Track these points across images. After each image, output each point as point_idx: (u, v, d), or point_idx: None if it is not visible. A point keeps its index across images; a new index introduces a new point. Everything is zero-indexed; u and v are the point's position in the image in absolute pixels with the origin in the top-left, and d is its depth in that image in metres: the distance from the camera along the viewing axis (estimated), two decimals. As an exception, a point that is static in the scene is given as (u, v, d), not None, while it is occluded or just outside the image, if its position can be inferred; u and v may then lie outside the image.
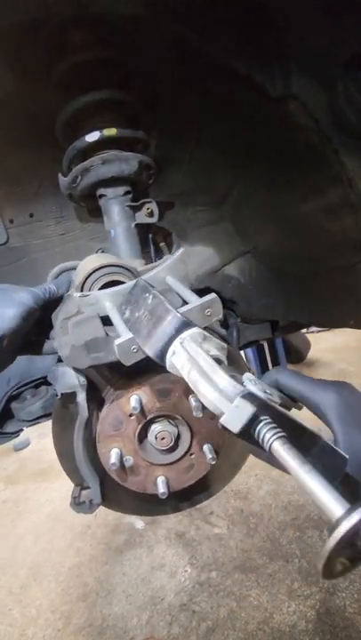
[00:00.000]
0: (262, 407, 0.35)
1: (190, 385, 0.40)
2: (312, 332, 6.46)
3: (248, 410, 0.35)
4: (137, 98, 0.84)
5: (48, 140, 0.87)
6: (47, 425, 1.14)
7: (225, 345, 0.46)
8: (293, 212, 1.00)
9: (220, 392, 0.37)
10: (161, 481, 0.64)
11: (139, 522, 2.91)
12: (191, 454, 0.65)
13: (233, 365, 0.68)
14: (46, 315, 0.64)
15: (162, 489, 0.62)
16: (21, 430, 1.11)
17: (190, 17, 0.68)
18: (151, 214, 0.89)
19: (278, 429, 0.34)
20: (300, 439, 0.37)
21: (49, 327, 0.65)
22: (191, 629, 2.04)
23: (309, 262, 1.07)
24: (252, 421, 0.35)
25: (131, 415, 0.62)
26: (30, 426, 1.15)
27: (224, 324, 1.33)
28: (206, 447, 0.64)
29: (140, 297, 0.51)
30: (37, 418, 1.09)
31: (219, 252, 1.20)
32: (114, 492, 0.68)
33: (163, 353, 0.44)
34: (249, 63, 0.73)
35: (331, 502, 0.29)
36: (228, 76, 0.76)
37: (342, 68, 0.66)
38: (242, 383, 0.40)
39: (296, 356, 5.19)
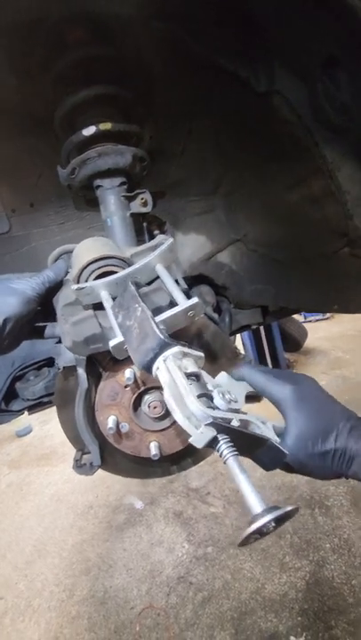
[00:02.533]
0: (222, 430, 0.46)
1: (168, 407, 0.50)
2: (309, 320, 6.54)
3: (209, 435, 0.46)
4: (131, 93, 0.88)
5: (47, 132, 0.91)
6: (48, 412, 1.21)
7: (202, 355, 0.55)
8: (280, 202, 1.05)
9: (189, 419, 0.47)
10: (153, 445, 0.71)
11: (138, 502, 3.03)
12: (181, 422, 0.72)
13: (224, 351, 0.76)
14: (48, 299, 0.70)
15: (154, 451, 0.70)
16: (25, 409, 1.18)
17: (180, 17, 0.72)
18: (145, 204, 0.94)
19: (231, 448, 0.46)
20: (251, 443, 0.50)
21: (52, 311, 0.72)
22: (188, 599, 2.17)
23: (296, 250, 1.13)
24: (213, 442, 0.46)
25: (126, 386, 0.69)
26: (33, 407, 1.22)
27: (217, 308, 1.39)
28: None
29: (130, 305, 0.57)
30: (40, 397, 1.16)
31: (211, 239, 1.26)
32: (111, 456, 0.75)
33: (149, 367, 0.53)
34: (235, 60, 0.78)
35: (255, 503, 0.41)
36: (217, 73, 0.81)
37: (321, 67, 0.71)
38: (212, 400, 0.51)
39: (293, 344, 5.27)
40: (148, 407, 0.70)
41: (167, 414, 0.71)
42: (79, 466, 0.73)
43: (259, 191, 1.08)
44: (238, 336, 4.92)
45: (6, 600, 2.43)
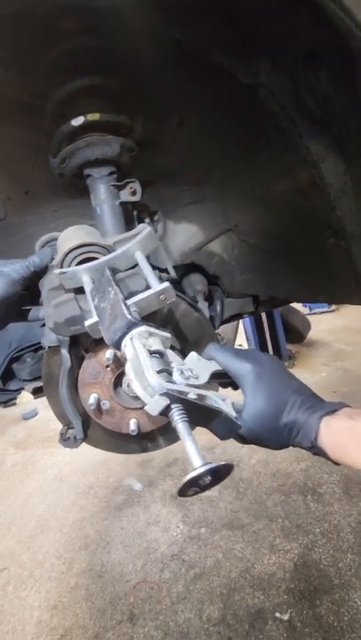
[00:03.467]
0: (175, 401, 0.51)
1: (128, 378, 0.54)
2: (314, 313, 6.52)
3: (162, 403, 0.50)
4: (121, 84, 0.90)
5: (40, 122, 0.94)
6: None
7: (169, 335, 0.59)
8: (269, 192, 1.07)
9: (146, 389, 0.51)
10: (133, 422, 0.76)
11: (137, 484, 3.14)
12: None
13: (204, 336, 0.80)
14: (34, 283, 0.74)
15: (132, 427, 0.75)
16: (22, 389, 1.25)
17: (167, 10, 0.74)
18: (134, 193, 0.97)
19: (183, 415, 0.50)
20: (206, 415, 0.55)
21: (39, 296, 0.76)
22: (180, 575, 2.27)
23: (285, 240, 1.15)
24: (166, 410, 0.51)
25: (107, 366, 0.74)
26: (38, 390, 1.28)
27: (209, 297, 1.43)
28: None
29: (105, 288, 0.62)
30: (36, 378, 1.22)
31: (203, 229, 1.28)
32: (94, 431, 0.81)
33: (118, 344, 0.57)
34: (220, 53, 0.79)
35: (196, 459, 0.46)
36: (204, 65, 0.82)
37: (302, 60, 0.72)
38: (171, 374, 0.55)
39: (296, 336, 5.28)
40: (128, 386, 0.75)
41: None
42: (64, 439, 0.79)
43: (248, 181, 1.10)
44: (241, 327, 4.95)
45: (10, 570, 2.57)
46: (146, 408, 0.51)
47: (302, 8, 0.59)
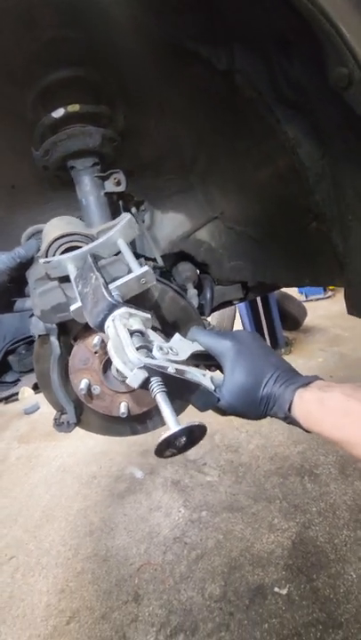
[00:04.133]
0: (153, 373, 0.54)
1: (109, 355, 0.57)
2: (310, 300, 6.54)
3: (141, 376, 0.53)
4: (100, 74, 0.91)
5: (24, 115, 0.95)
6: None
7: (149, 316, 0.62)
8: (251, 179, 1.09)
9: (126, 363, 0.54)
10: (123, 405, 0.80)
11: (139, 472, 3.20)
12: (148, 385, 0.80)
13: (191, 322, 0.82)
14: (21, 274, 0.77)
15: (122, 410, 0.78)
16: (19, 380, 1.28)
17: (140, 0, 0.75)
18: (118, 183, 0.99)
19: (161, 387, 0.53)
20: (185, 388, 0.57)
21: (26, 285, 0.78)
22: (183, 557, 2.34)
23: (269, 226, 1.17)
24: (146, 383, 0.53)
25: (95, 352, 0.77)
26: (30, 384, 1.31)
27: (199, 285, 1.45)
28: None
29: (87, 274, 0.64)
30: (31, 370, 1.25)
31: (190, 217, 1.30)
32: (86, 416, 0.84)
33: (101, 326, 0.60)
34: (196, 41, 0.80)
35: (171, 422, 0.49)
36: (181, 53, 0.83)
37: (274, 45, 0.74)
38: (150, 351, 0.58)
39: (292, 322, 5.31)
40: (117, 371, 0.78)
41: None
42: (58, 424, 0.82)
43: (230, 169, 1.12)
44: (238, 315, 4.98)
45: (18, 558, 2.65)
46: (127, 381, 0.54)
47: None
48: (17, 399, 4.60)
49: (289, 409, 0.58)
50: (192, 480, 2.99)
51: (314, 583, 2.00)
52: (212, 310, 1.54)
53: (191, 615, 2.01)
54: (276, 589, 2.01)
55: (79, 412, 0.84)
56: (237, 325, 4.95)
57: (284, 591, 2.00)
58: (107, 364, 0.79)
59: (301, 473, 2.76)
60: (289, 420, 0.59)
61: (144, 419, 0.85)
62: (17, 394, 4.15)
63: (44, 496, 3.21)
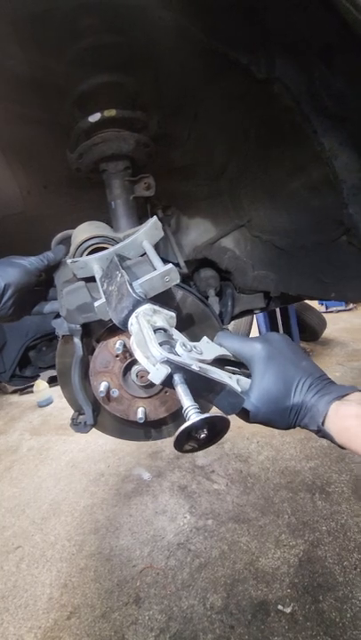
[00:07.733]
0: (176, 369, 0.51)
1: (132, 350, 0.56)
2: (330, 311, 6.40)
3: (164, 371, 0.51)
4: (139, 80, 0.92)
5: (60, 117, 0.97)
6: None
7: (173, 314, 0.60)
8: (282, 189, 1.07)
9: (149, 358, 0.53)
10: (140, 410, 0.79)
11: (146, 474, 3.20)
12: (166, 392, 0.80)
13: (206, 324, 0.81)
14: (48, 276, 0.78)
15: (140, 415, 0.78)
16: (38, 375, 1.30)
17: (186, 7, 0.75)
18: (148, 188, 0.99)
19: (184, 381, 0.51)
20: (210, 387, 0.54)
21: (50, 288, 0.80)
22: (186, 563, 2.32)
23: (297, 236, 1.15)
24: (169, 379, 0.51)
25: (117, 356, 0.77)
26: (54, 379, 1.33)
27: (220, 292, 1.44)
28: (179, 387, 0.78)
29: (113, 273, 0.64)
30: (51, 366, 1.27)
31: (216, 224, 1.29)
32: (103, 418, 0.84)
33: (124, 323, 0.59)
34: (236, 48, 0.80)
35: (193, 414, 0.47)
36: (220, 60, 0.83)
37: (318, 55, 0.72)
38: (173, 347, 0.56)
39: (311, 334, 5.20)
40: (137, 376, 0.78)
41: (153, 383, 0.79)
42: (75, 424, 0.83)
43: (262, 177, 1.10)
44: (255, 324, 4.92)
45: (23, 548, 2.69)
46: (149, 377, 0.52)
47: (315, 3, 0.59)
48: (31, 391, 4.70)
49: (323, 422, 0.55)
50: (199, 486, 2.96)
51: (320, 605, 1.94)
52: (232, 318, 1.53)
53: (191, 624, 1.98)
54: (280, 607, 1.96)
55: (96, 414, 0.84)
56: (254, 333, 4.89)
57: (288, 610, 1.95)
58: (127, 369, 0.79)
59: (312, 489, 2.69)
60: (321, 433, 0.56)
61: (160, 425, 0.84)
62: (32, 386, 4.24)
63: (52, 489, 3.25)
